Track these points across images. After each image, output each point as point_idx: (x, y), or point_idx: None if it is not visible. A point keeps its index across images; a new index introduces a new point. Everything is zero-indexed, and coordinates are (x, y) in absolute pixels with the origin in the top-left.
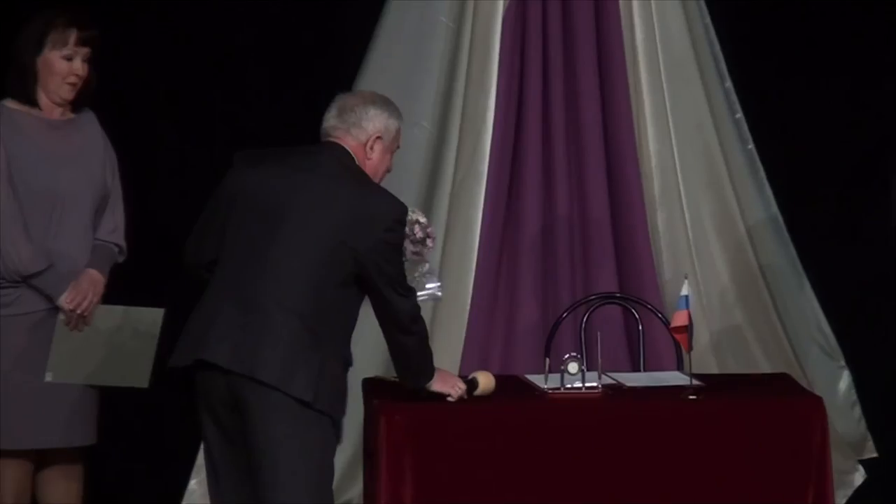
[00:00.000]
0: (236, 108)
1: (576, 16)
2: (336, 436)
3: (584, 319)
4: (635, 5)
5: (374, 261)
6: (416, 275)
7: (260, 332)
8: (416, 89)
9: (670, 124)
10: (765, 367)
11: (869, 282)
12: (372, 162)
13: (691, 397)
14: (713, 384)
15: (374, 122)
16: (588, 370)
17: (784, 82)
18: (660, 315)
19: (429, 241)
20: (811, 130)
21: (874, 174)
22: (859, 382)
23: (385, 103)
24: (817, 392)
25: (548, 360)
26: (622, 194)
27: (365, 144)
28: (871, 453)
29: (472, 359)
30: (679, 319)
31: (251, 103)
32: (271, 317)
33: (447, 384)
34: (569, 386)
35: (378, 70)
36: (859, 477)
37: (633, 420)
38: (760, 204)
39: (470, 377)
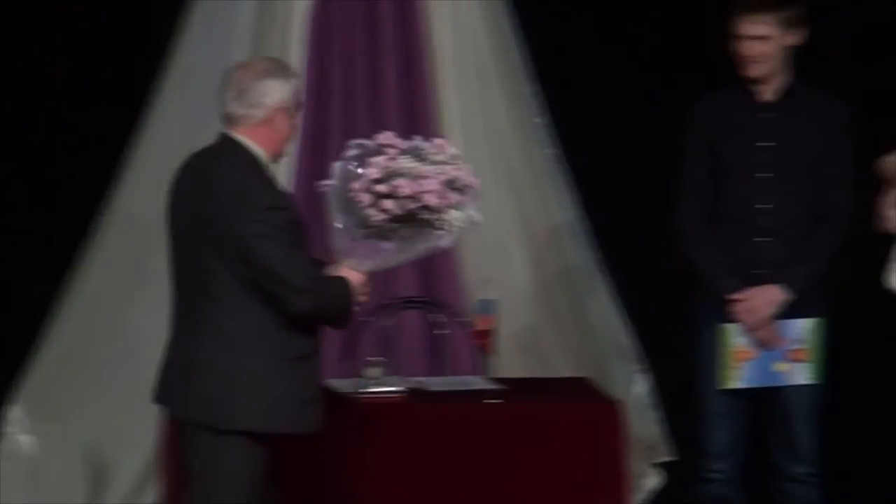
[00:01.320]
0: (40, 111)
1: (380, 18)
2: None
3: (387, 324)
4: (440, 8)
5: (252, 252)
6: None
7: (173, 369)
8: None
9: (474, 128)
10: (564, 371)
11: (666, 286)
12: (281, 134)
13: (492, 401)
14: (514, 388)
15: (274, 94)
16: (391, 374)
17: (585, 86)
18: (462, 319)
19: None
20: (612, 135)
21: (673, 179)
22: (657, 386)
23: (278, 70)
24: (615, 396)
25: (350, 364)
26: None
27: (270, 120)
28: (668, 456)
29: None
30: (481, 323)
31: (57, 106)
32: (180, 350)
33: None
34: (371, 390)
35: (182, 74)
36: (656, 480)
37: (434, 424)
38: (561, 208)
39: None
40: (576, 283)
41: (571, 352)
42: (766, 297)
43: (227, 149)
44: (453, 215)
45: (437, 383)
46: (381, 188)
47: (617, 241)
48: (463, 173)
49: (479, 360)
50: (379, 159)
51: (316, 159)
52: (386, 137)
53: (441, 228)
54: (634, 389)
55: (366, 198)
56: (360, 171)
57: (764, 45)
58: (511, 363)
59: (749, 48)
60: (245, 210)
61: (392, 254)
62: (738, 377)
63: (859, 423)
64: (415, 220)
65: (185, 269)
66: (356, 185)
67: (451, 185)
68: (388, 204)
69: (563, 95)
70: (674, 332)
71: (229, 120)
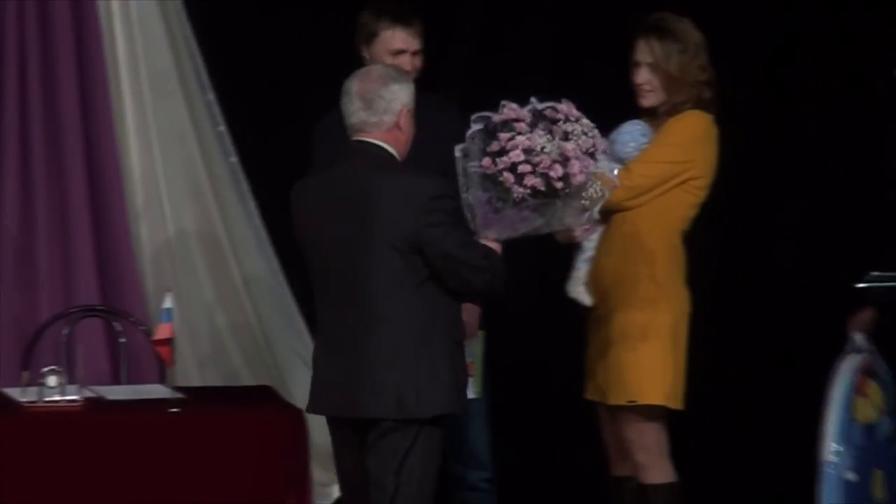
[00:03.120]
0: None
1: (54, 18)
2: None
3: (66, 332)
4: (116, 15)
5: (429, 241)
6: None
7: (339, 373)
8: None
9: (153, 136)
10: (248, 380)
11: None
12: (405, 133)
13: (173, 410)
14: (196, 397)
15: (399, 97)
16: (70, 383)
17: (268, 92)
18: (142, 328)
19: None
20: (294, 141)
21: None
22: None
23: (397, 74)
24: (298, 405)
25: (26, 373)
26: (105, 206)
27: (397, 123)
28: None
29: None
30: (162, 332)
31: None
32: (344, 352)
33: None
34: (47, 399)
35: None
36: (337, 489)
37: (113, 433)
38: (244, 216)
39: None
40: (259, 291)
41: (254, 361)
42: (470, 313)
43: (368, 153)
44: (595, 187)
45: (116, 392)
46: (524, 167)
47: (298, 251)
48: (594, 140)
49: (161, 370)
50: (520, 140)
51: None
52: (511, 110)
53: (587, 200)
54: None
55: (509, 176)
56: (492, 146)
57: (416, 59)
58: (193, 372)
59: (407, 62)
60: (414, 203)
61: (535, 222)
62: None
63: (529, 429)
64: (558, 193)
65: (336, 276)
66: (486, 160)
67: (590, 153)
68: (532, 180)
69: (241, 103)
70: None
71: (362, 128)
